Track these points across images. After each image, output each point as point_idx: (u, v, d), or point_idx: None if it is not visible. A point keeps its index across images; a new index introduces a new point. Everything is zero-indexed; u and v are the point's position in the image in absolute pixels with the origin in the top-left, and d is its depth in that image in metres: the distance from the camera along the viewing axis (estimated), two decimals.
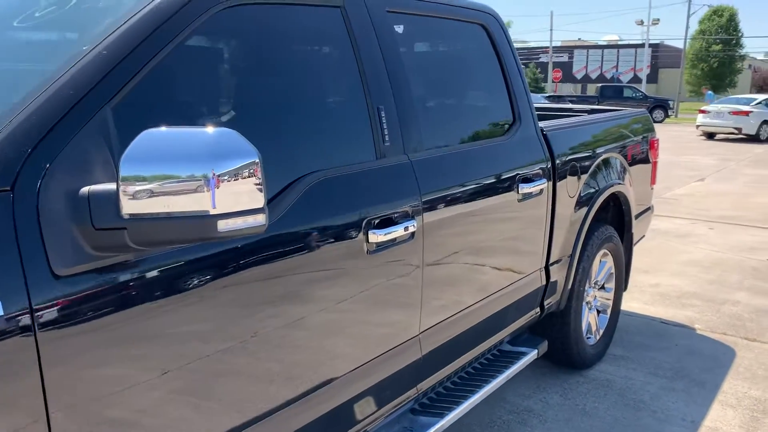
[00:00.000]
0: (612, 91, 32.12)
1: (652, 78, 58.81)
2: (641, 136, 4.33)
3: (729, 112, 20.78)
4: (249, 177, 1.31)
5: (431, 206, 2.32)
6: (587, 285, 3.83)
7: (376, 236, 2.05)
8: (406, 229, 2.15)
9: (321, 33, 2.14)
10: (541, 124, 3.23)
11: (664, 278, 5.73)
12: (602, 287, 4.07)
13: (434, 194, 2.35)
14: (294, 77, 2.03)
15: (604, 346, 4.06)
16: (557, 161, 3.17)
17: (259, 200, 1.33)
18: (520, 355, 3.08)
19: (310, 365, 1.94)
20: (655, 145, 4.50)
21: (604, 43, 69.83)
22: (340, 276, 1.98)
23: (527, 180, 2.91)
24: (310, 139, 1.99)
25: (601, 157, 3.66)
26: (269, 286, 1.76)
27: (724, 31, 47.30)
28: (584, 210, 3.48)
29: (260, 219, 1.34)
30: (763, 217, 8.38)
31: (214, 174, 1.29)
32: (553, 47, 55.50)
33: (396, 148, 2.24)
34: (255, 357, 1.76)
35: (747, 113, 20.59)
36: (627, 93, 31.89)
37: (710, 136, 21.69)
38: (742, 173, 12.85)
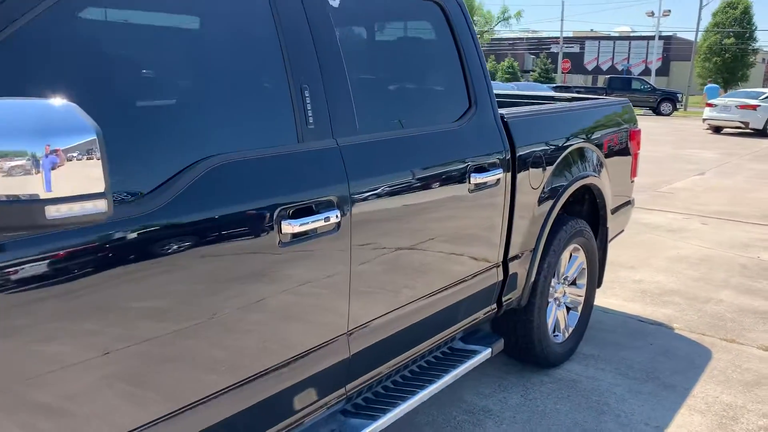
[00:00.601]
0: (620, 83, 31.71)
1: (664, 71, 58.17)
2: (621, 127, 4.15)
3: (736, 106, 20.41)
4: (87, 157, 1.16)
5: (363, 196, 2.16)
6: (554, 281, 3.66)
7: (291, 227, 1.90)
8: (327, 219, 1.99)
9: (235, 1, 1.97)
10: (503, 111, 3.06)
11: (648, 274, 5.56)
12: (573, 283, 3.90)
13: (367, 183, 2.19)
14: (197, 50, 1.87)
15: (573, 344, 3.90)
16: (518, 150, 3.00)
17: (98, 184, 1.17)
18: (471, 354, 2.93)
19: (223, 361, 1.80)
20: (636, 136, 4.32)
21: (616, 35, 69.12)
22: (249, 269, 1.83)
23: (481, 169, 2.75)
24: (213, 119, 1.83)
25: (572, 148, 3.48)
26: (167, 279, 1.61)
27: (737, 24, 46.66)
28: (550, 203, 3.31)
29: (101, 205, 1.18)
30: (759, 213, 8.17)
31: (49, 151, 1.13)
32: (565, 38, 54.93)
33: (322, 131, 2.08)
34: (160, 357, 1.62)
35: (755, 107, 20.23)
36: (635, 85, 31.48)
37: (717, 130, 21.37)
38: (744, 168, 12.60)
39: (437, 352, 2.91)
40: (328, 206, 2.03)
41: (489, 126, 2.87)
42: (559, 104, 3.69)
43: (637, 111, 26.80)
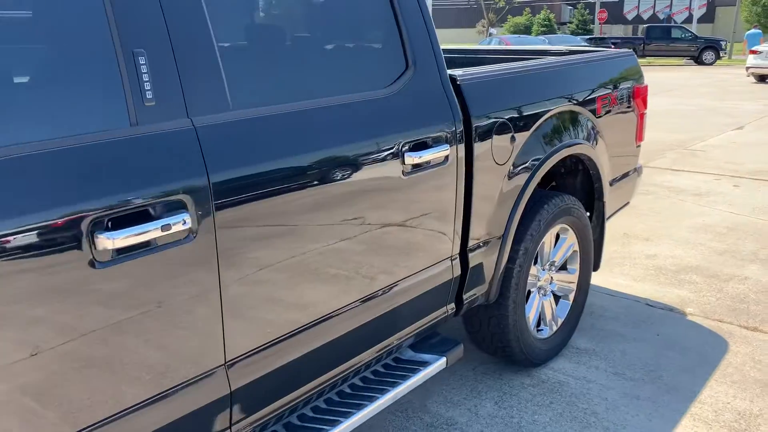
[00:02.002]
0: (659, 32, 30.18)
1: (709, 17, 55.52)
2: (621, 85, 3.56)
3: None
4: None
5: (232, 192, 1.68)
6: (537, 268, 3.15)
7: (111, 241, 1.43)
8: (166, 228, 1.52)
9: None
10: (456, 72, 2.52)
11: (666, 247, 4.97)
12: (563, 268, 3.38)
13: (241, 174, 1.70)
14: None
15: (563, 337, 3.39)
16: (475, 120, 2.47)
17: None
18: (419, 366, 2.45)
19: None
20: (642, 94, 3.71)
21: None
22: (57, 296, 1.38)
23: (420, 146, 2.23)
24: None
25: (552, 112, 2.92)
26: None
27: None
28: (522, 180, 2.78)
29: None
30: None
31: None
32: None
33: (168, 109, 1.59)
34: None
35: None
36: (675, 34, 29.92)
37: (762, 78, 20.06)
38: None
39: (377, 366, 2.44)
40: (173, 209, 1.55)
41: (432, 92, 2.34)
42: (541, 61, 3.12)
43: (677, 61, 25.52)
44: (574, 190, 3.55)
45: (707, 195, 6.48)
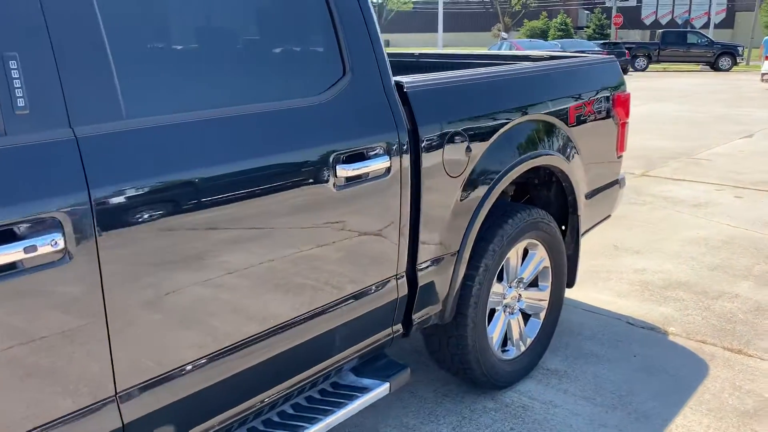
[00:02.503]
0: (674, 37, 29.77)
1: (728, 23, 54.94)
2: (599, 93, 3.38)
3: None
4: None
5: (120, 209, 1.54)
6: (504, 284, 2.98)
7: None
8: (31, 249, 1.38)
9: None
10: (403, 79, 2.37)
11: (656, 261, 4.77)
12: (534, 285, 3.21)
13: (129, 189, 1.56)
14: None
15: (533, 358, 3.22)
16: (423, 130, 2.32)
17: None
18: (359, 392, 2.29)
19: None
20: (623, 102, 3.54)
21: None
22: None
23: (355, 158, 2.08)
24: None
25: (516, 121, 2.76)
26: None
27: None
28: (481, 192, 2.62)
29: None
30: None
31: None
32: None
33: (44, 118, 1.45)
34: None
35: None
36: (691, 39, 29.51)
37: None
38: None
39: (312, 392, 2.28)
40: (44, 228, 1.41)
41: (372, 99, 2.18)
42: (504, 68, 2.95)
43: (693, 67, 25.19)
44: (548, 203, 3.38)
45: (706, 206, 6.27)
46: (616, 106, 3.50)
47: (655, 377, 3.20)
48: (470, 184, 2.57)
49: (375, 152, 2.13)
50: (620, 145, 3.63)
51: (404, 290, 2.40)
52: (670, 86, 20.54)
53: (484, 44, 35.93)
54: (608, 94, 3.44)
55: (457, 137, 2.46)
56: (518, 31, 54.18)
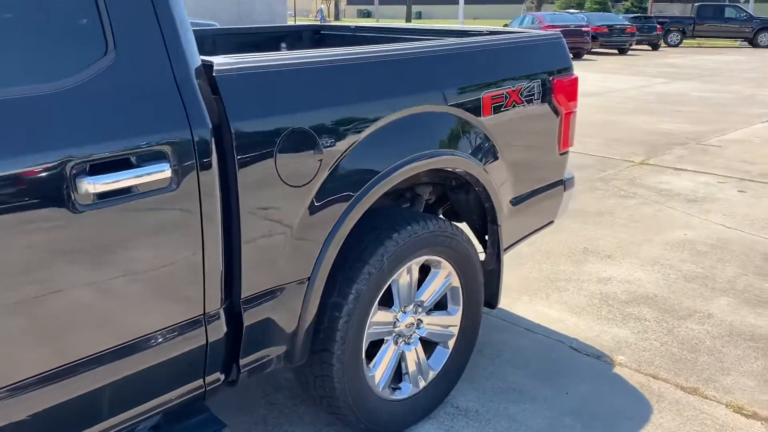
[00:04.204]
0: (710, 11, 28.33)
1: None
2: (534, 77, 2.80)
3: None
4: None
5: None
6: (395, 311, 2.46)
7: None
8: None
9: None
10: (219, 59, 1.83)
11: (626, 269, 4.18)
12: (442, 307, 2.68)
13: None
14: None
15: (437, 394, 2.70)
16: (239, 126, 1.78)
17: None
18: None
19: None
20: (564, 88, 2.94)
21: None
22: None
23: (117, 165, 1.56)
24: None
25: (399, 114, 2.21)
26: None
27: None
28: (342, 205, 2.08)
29: None
30: None
31: None
32: None
33: None
34: None
35: None
36: (728, 13, 28.06)
37: None
38: None
39: None
40: None
41: (151, 86, 1.65)
42: (383, 47, 2.38)
43: (731, 43, 24.22)
44: (469, 210, 2.83)
45: (703, 202, 5.61)
46: (557, 93, 2.91)
47: (581, 424, 2.65)
48: (324, 195, 2.03)
49: (147, 158, 1.60)
50: (564, 140, 3.04)
51: (220, 332, 1.88)
52: (700, 63, 19.48)
53: (509, 17, 34.67)
54: (545, 79, 2.85)
55: (298, 136, 1.92)
56: (553, 3, 52.52)
